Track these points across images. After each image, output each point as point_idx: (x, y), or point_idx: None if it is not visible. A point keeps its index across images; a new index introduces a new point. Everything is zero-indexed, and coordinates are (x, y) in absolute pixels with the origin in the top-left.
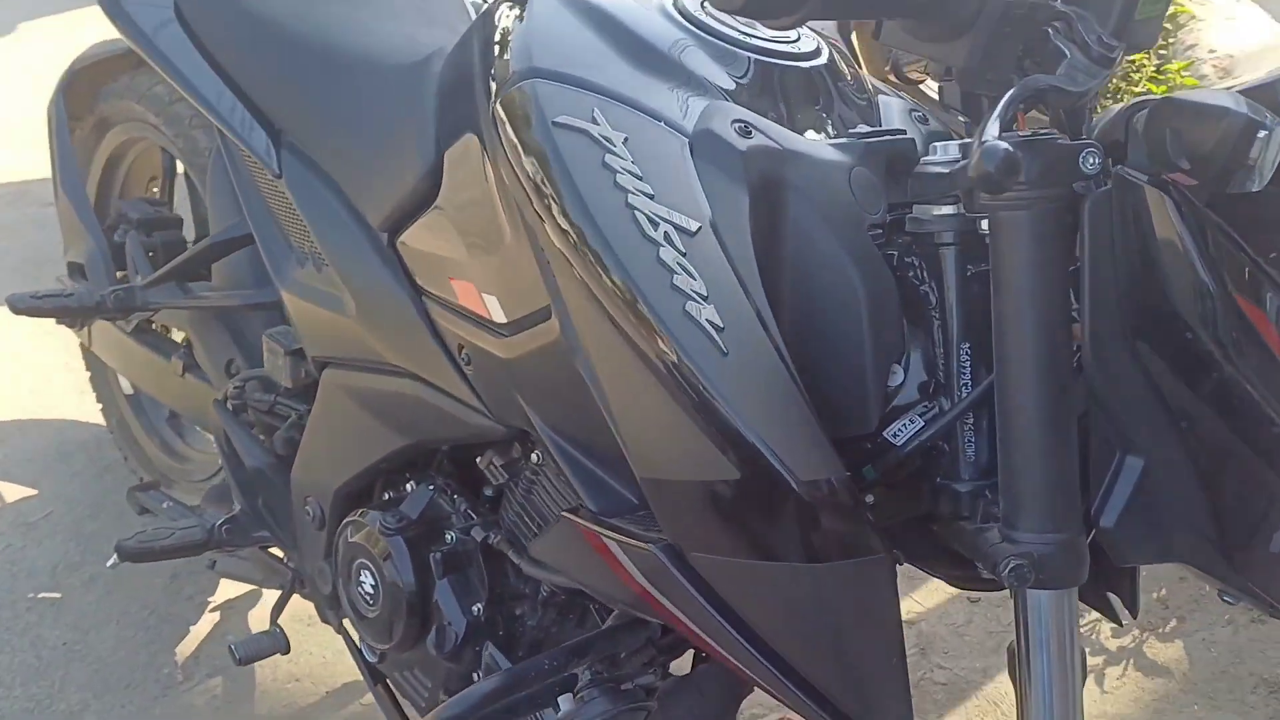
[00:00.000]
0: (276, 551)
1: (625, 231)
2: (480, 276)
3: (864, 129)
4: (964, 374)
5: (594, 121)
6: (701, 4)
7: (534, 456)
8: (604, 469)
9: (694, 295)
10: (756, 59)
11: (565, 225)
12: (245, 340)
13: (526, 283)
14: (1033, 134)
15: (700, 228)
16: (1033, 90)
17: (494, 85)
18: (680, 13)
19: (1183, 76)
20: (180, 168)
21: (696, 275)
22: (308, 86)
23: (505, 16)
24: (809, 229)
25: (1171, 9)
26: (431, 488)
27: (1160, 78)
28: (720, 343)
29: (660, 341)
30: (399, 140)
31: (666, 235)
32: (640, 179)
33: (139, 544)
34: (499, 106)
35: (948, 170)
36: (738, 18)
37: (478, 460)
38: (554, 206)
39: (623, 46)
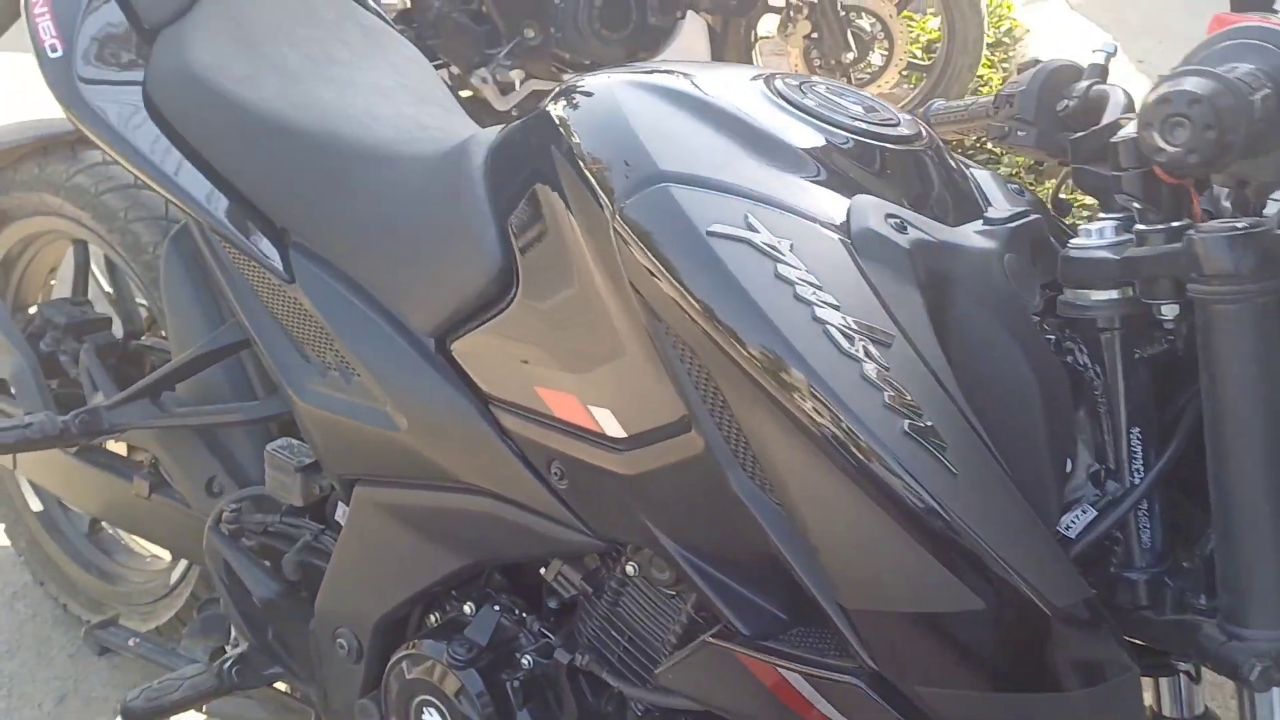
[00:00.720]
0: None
1: (820, 349)
2: (586, 389)
3: (1000, 212)
4: (1135, 459)
5: (751, 229)
6: (800, 85)
7: (629, 568)
8: (751, 588)
9: (909, 413)
10: (870, 143)
11: (744, 345)
12: (228, 455)
13: (653, 396)
14: (1250, 225)
15: (895, 337)
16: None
17: (604, 191)
18: (779, 94)
19: None
20: (98, 262)
21: (906, 390)
22: (314, 181)
23: (578, 108)
24: (979, 323)
25: (1008, 24)
26: (496, 608)
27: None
28: (948, 462)
29: (882, 466)
30: (444, 238)
31: (865, 349)
32: (820, 289)
33: (147, 703)
34: (624, 216)
35: (1116, 256)
36: (831, 94)
37: (542, 571)
38: (723, 324)
39: (741, 139)
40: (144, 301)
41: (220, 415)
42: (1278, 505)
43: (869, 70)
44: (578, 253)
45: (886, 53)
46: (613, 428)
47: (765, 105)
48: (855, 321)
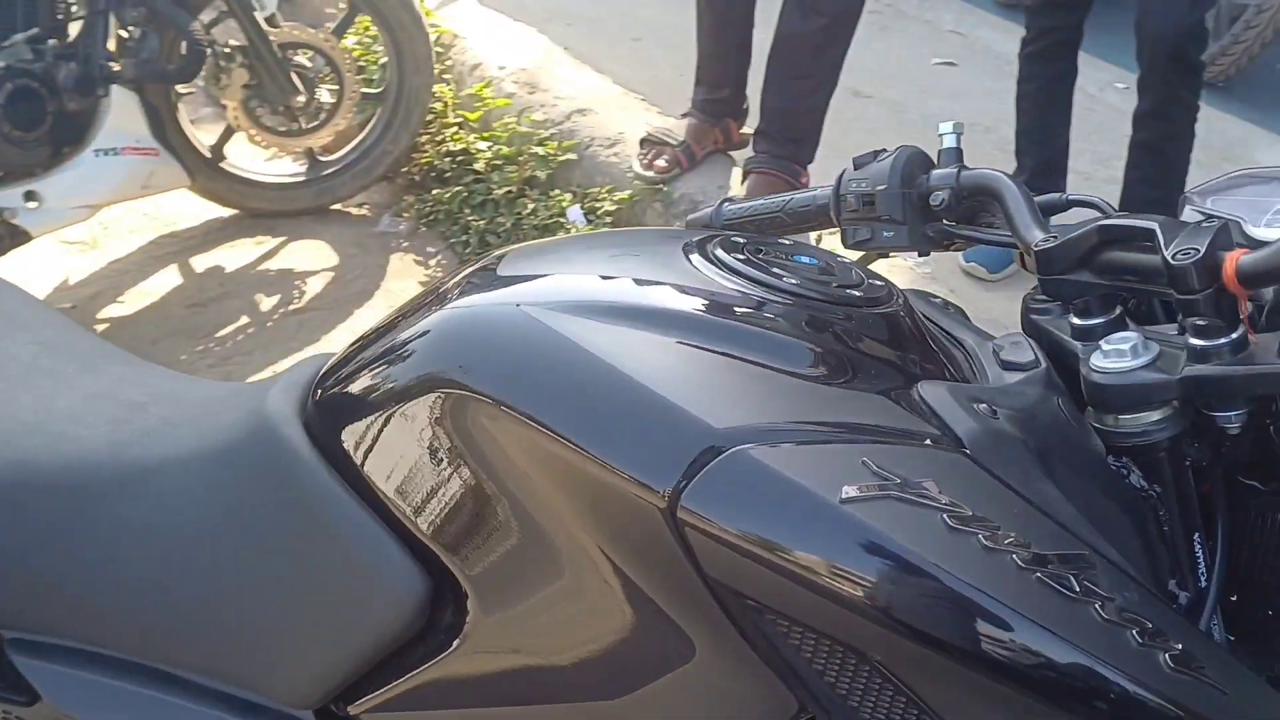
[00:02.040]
0: None
1: (1048, 605)
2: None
3: (1022, 357)
4: (1198, 563)
5: (881, 477)
6: (737, 246)
7: None
8: None
9: (1160, 644)
10: (865, 311)
11: (943, 623)
12: None
13: (745, 700)
14: None
15: (1085, 550)
16: None
17: (635, 470)
18: (733, 269)
19: (491, 98)
20: None
21: (1142, 615)
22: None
23: (510, 351)
24: (1098, 491)
25: (434, 32)
26: None
27: (458, 105)
28: (1213, 681)
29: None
30: (292, 567)
31: (1084, 586)
32: (998, 527)
33: None
34: (690, 501)
35: (1171, 375)
36: (773, 250)
37: None
38: (901, 605)
39: (757, 352)
40: None
41: None
42: None
43: (321, 111)
44: (580, 553)
45: (337, 88)
46: None
47: (731, 289)
48: (1054, 552)
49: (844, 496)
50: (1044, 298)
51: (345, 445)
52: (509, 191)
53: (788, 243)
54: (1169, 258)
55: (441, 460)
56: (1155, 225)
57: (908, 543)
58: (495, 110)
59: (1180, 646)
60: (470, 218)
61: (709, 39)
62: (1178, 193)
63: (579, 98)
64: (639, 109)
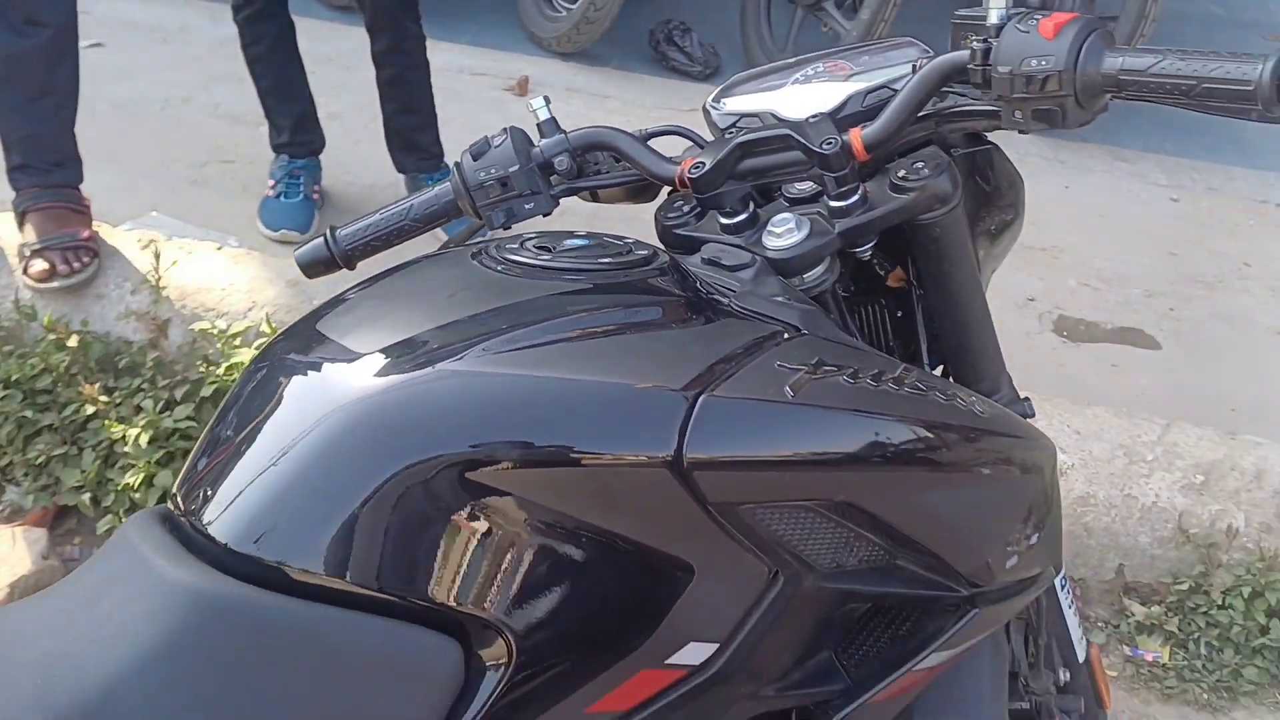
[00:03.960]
0: None
1: (920, 405)
2: (652, 653)
3: (741, 259)
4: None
5: (794, 370)
6: (529, 244)
7: None
8: None
9: (959, 400)
10: (661, 265)
11: (876, 447)
12: None
13: (736, 583)
14: (936, 162)
15: (900, 364)
16: None
17: (637, 446)
18: (556, 269)
19: None
20: None
21: (931, 384)
22: None
23: (469, 405)
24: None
25: None
26: None
27: None
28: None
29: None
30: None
31: (915, 386)
32: (869, 370)
33: None
34: (693, 446)
35: (827, 236)
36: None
37: None
38: (857, 449)
39: (637, 319)
40: None
41: None
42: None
43: None
44: (597, 545)
45: None
46: (699, 654)
47: (559, 281)
48: (892, 374)
49: (789, 394)
50: (674, 212)
51: (288, 568)
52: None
53: (552, 232)
54: (818, 148)
55: (436, 531)
56: (788, 130)
57: (841, 404)
58: None
59: (949, 391)
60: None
61: None
62: (430, 114)
63: None
64: None
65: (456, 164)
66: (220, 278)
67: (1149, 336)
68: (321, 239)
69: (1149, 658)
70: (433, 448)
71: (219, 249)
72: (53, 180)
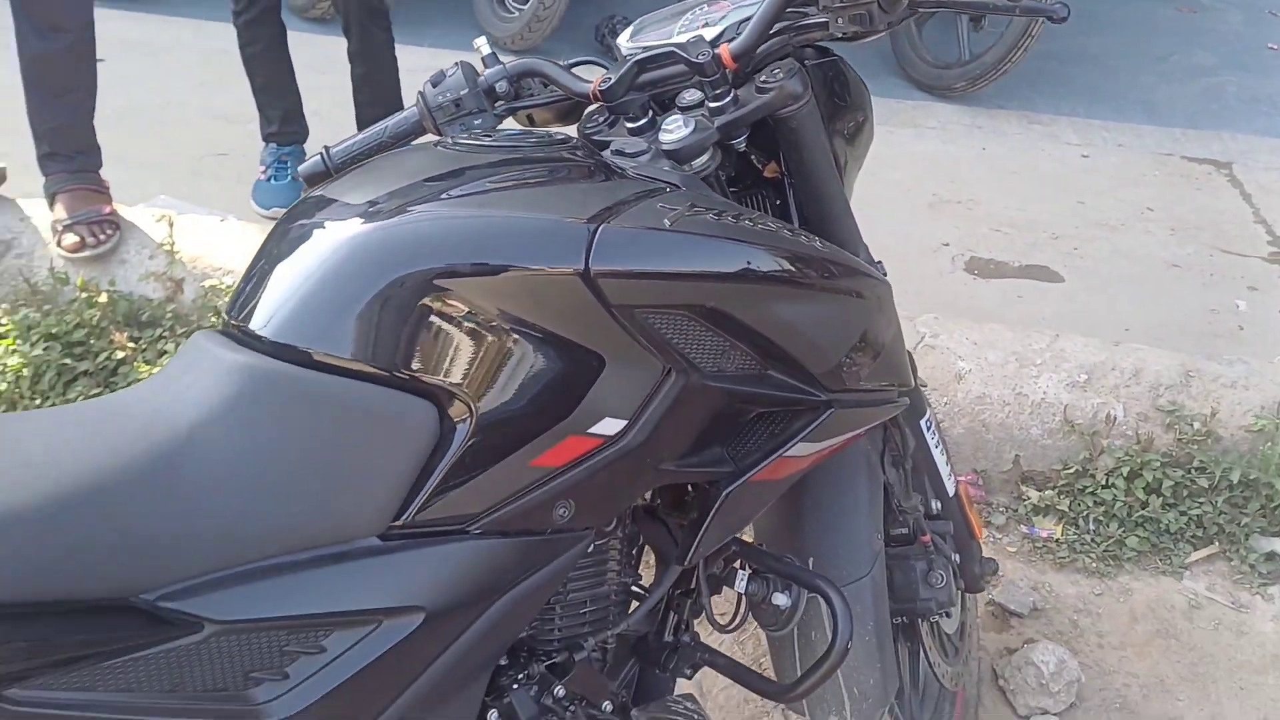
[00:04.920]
0: None
1: (781, 238)
2: (577, 422)
3: (639, 147)
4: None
5: (676, 210)
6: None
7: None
8: None
9: (801, 235)
10: (572, 143)
11: (750, 267)
12: None
13: (636, 375)
14: (789, 66)
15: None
16: None
17: (551, 259)
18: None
19: None
20: None
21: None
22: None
23: (410, 242)
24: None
25: None
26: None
27: None
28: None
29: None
30: (335, 447)
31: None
32: (745, 212)
33: None
34: (595, 266)
35: (708, 130)
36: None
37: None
38: (738, 269)
39: (550, 175)
40: None
41: None
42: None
43: None
44: (523, 334)
45: None
46: (612, 426)
47: (505, 150)
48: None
49: (667, 224)
50: (591, 123)
51: (311, 350)
52: None
53: (492, 124)
54: (695, 60)
55: (416, 322)
56: (673, 48)
57: (708, 231)
58: None
59: (797, 232)
60: None
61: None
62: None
63: None
64: None
65: (420, 91)
66: (224, 244)
67: (1053, 272)
68: (319, 156)
69: (1044, 534)
70: (414, 264)
71: (222, 220)
72: (77, 165)
